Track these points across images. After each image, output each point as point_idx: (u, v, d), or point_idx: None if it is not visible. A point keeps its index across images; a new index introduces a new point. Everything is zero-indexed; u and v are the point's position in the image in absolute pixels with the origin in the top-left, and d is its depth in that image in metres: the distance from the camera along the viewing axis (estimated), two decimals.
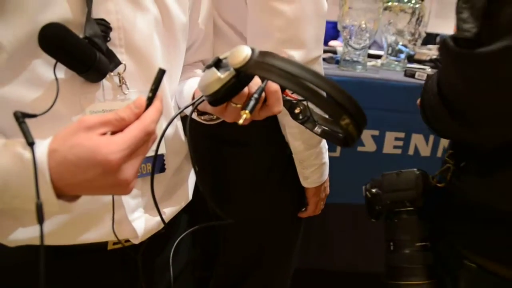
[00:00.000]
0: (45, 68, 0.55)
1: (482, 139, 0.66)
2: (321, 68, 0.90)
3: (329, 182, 1.06)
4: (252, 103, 0.50)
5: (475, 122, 0.62)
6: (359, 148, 1.35)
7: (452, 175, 0.75)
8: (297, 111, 0.59)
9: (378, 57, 1.78)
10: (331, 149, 1.41)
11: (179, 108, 0.78)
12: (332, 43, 2.42)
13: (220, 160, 1.01)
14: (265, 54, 0.45)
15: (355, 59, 1.45)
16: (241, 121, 0.50)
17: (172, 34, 0.69)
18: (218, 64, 0.50)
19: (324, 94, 0.43)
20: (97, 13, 0.58)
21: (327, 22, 0.89)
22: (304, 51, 0.83)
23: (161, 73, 0.47)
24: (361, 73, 1.40)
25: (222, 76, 0.48)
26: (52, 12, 0.54)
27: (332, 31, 2.14)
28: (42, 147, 0.43)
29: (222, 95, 0.49)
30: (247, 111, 0.48)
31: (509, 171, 0.63)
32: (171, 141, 0.75)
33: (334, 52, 1.81)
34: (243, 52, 0.45)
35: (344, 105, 0.42)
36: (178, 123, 0.79)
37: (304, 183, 0.99)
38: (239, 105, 0.54)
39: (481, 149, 0.69)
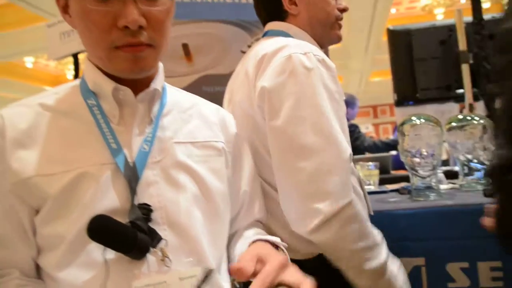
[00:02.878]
0: (97, 251, 0.63)
1: None
2: (355, 211, 0.85)
3: None
4: None
5: None
6: (450, 285, 1.20)
7: None
8: None
9: (455, 175, 1.68)
10: None
11: None
12: None
13: None
14: None
15: (426, 186, 1.38)
16: None
17: (212, 204, 0.75)
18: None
19: None
20: (142, 198, 0.67)
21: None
22: (330, 201, 0.82)
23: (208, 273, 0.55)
24: (435, 201, 1.32)
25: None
26: (103, 204, 0.64)
27: None
28: None
29: None
30: None
31: None
32: None
33: (408, 179, 1.76)
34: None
35: None
36: None
37: None
38: None
39: None
